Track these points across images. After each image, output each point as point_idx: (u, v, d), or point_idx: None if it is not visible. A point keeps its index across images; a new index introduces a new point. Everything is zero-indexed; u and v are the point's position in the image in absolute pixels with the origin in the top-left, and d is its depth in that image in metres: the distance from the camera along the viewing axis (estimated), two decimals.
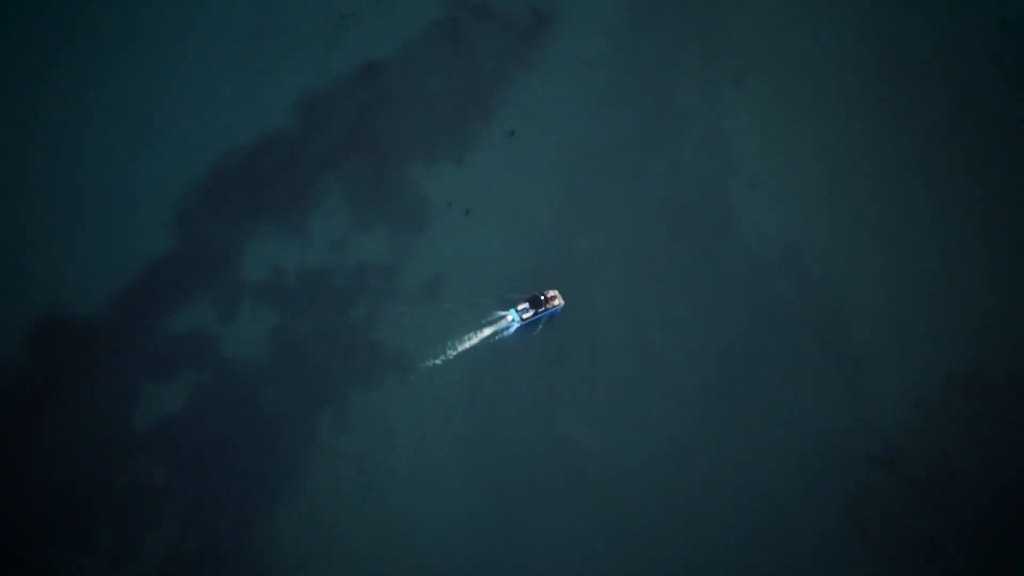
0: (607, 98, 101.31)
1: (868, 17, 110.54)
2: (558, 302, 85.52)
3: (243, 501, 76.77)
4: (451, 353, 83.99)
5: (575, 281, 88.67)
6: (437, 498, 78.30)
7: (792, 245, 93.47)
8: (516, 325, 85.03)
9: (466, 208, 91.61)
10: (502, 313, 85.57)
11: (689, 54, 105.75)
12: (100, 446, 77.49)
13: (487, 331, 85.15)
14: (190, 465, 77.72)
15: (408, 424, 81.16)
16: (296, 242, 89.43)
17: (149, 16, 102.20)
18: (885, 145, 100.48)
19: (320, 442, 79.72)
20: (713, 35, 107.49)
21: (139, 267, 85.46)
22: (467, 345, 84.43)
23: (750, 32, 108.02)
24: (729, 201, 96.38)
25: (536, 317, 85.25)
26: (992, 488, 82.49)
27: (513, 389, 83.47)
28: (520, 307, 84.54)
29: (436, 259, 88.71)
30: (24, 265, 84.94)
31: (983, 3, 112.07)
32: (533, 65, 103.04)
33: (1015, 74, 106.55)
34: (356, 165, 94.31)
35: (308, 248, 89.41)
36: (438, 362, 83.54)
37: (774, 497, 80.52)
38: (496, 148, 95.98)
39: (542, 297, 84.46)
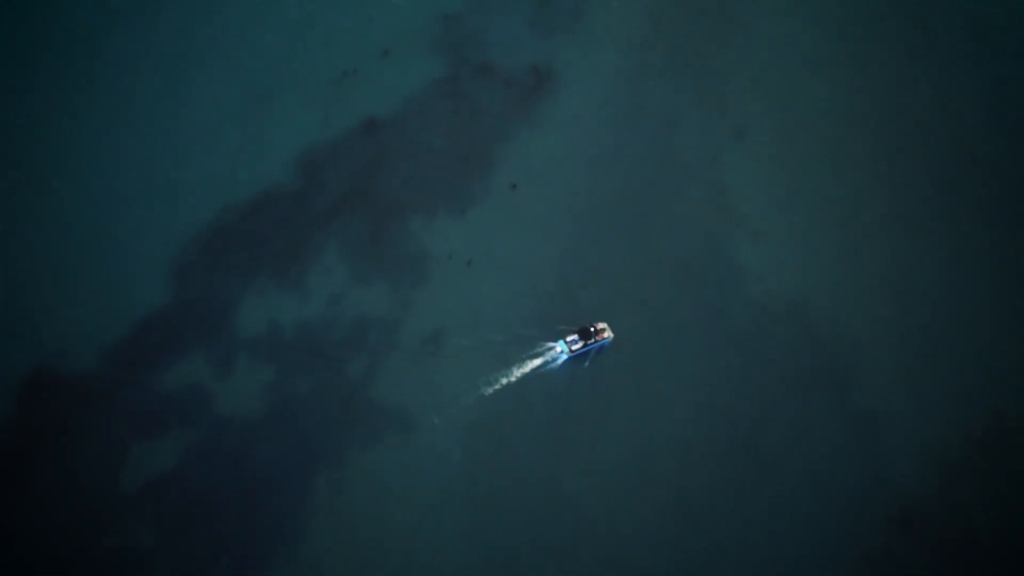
0: (608, 153, 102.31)
1: (867, 73, 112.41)
2: (607, 334, 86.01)
3: (233, 566, 73.74)
4: (451, 409, 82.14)
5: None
6: (437, 562, 75.19)
7: (799, 298, 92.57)
8: (565, 356, 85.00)
9: (468, 259, 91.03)
10: (550, 344, 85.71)
11: (689, 110, 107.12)
12: (86, 506, 75.14)
13: (499, 376, 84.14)
14: (179, 527, 75.20)
15: (407, 484, 78.86)
16: (294, 297, 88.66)
17: (151, 70, 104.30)
18: (888, 196, 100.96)
19: (315, 503, 77.25)
20: (713, 91, 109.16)
21: (132, 321, 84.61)
22: (472, 397, 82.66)
23: (750, 88, 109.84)
24: (733, 255, 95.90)
25: (586, 349, 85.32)
26: (1015, 549, 79.29)
27: (516, 447, 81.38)
28: (569, 338, 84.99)
29: (437, 311, 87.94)
30: (14, 317, 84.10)
31: (980, 57, 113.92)
32: (534, 121, 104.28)
33: (1013, 126, 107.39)
34: (356, 220, 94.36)
35: (306, 303, 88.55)
36: (438, 419, 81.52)
37: (787, 559, 77.54)
38: (498, 201, 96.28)
39: (592, 329, 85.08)
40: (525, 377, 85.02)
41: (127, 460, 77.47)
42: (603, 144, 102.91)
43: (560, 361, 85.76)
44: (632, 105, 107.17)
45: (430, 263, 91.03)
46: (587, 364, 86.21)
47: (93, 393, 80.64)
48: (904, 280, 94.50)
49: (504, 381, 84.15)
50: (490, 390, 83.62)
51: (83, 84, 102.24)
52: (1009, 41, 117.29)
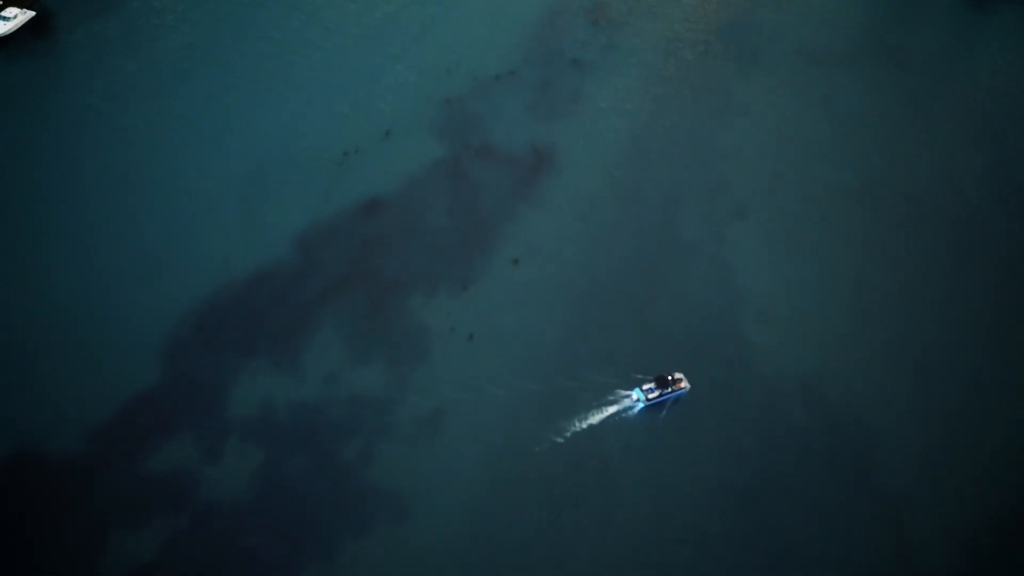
0: (610, 230, 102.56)
1: (865, 151, 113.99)
2: (684, 385, 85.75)
3: None
4: (453, 492, 78.12)
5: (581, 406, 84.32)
6: None
7: (811, 378, 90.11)
8: (641, 405, 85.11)
9: (470, 334, 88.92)
10: (626, 392, 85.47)
11: (690, 189, 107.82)
12: None
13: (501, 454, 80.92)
14: None
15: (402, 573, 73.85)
16: (288, 376, 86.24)
17: (156, 147, 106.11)
18: (897, 271, 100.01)
19: None
20: (713, 171, 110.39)
21: (120, 401, 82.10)
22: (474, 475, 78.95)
23: (750, 168, 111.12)
24: (740, 334, 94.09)
25: (662, 398, 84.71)
26: None
27: (519, 526, 76.77)
28: (646, 387, 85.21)
29: (437, 390, 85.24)
30: None
31: (980, 138, 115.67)
32: (535, 200, 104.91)
33: (1015, 205, 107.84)
34: (354, 298, 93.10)
35: (301, 382, 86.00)
36: (437, 503, 77.36)
37: None
38: (499, 276, 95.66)
39: (669, 378, 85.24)
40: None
41: (107, 548, 73.13)
42: (604, 221, 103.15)
43: (636, 409, 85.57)
44: (632, 184, 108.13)
45: (430, 340, 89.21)
46: (664, 413, 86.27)
47: (74, 476, 76.93)
48: (919, 356, 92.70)
49: (505, 460, 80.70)
50: (494, 468, 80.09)
51: (85, 157, 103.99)
52: (1007, 119, 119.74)
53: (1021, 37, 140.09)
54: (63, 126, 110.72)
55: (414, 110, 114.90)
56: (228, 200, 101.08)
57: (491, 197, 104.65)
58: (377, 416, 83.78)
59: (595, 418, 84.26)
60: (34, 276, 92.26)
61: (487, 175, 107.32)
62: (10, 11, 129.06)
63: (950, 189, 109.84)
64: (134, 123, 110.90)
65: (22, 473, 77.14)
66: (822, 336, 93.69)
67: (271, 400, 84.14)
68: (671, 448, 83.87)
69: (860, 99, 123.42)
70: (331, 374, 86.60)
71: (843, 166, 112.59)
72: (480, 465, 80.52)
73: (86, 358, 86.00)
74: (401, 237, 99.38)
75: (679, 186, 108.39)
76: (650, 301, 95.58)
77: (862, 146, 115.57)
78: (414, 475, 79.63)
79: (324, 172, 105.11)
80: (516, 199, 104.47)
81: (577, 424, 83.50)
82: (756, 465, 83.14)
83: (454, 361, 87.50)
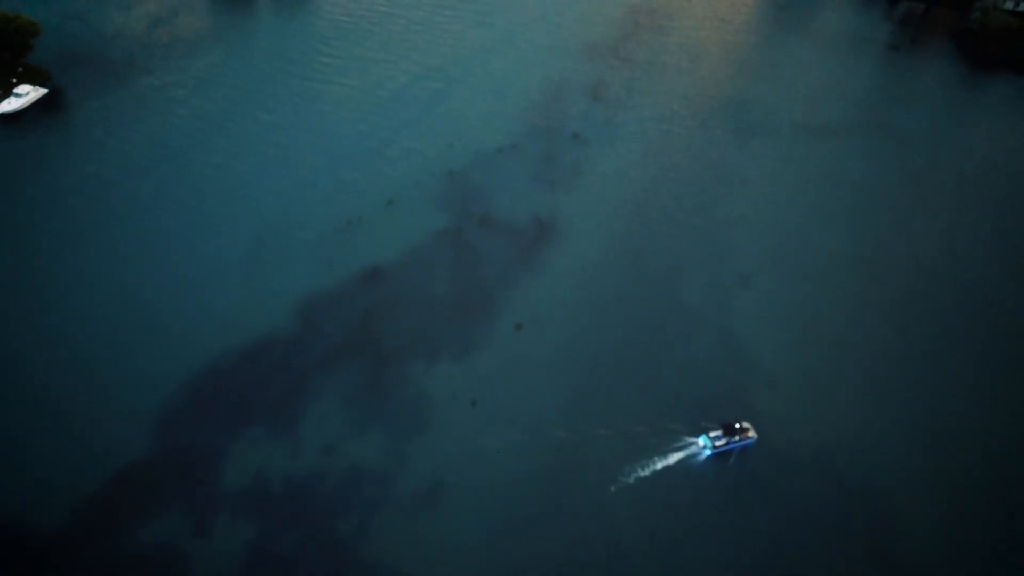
0: (614, 297, 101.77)
1: (868, 221, 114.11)
2: (751, 434, 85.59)
3: None
4: (455, 571, 73.95)
5: (589, 482, 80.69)
6: None
7: (824, 448, 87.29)
8: (708, 452, 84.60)
9: (472, 400, 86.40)
10: (691, 439, 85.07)
11: (693, 258, 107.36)
12: None
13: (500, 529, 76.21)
14: None
15: None
16: (284, 447, 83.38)
17: (160, 215, 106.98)
18: (905, 339, 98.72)
19: None
20: (715, 240, 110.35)
21: (110, 471, 79.16)
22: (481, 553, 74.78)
23: (753, 238, 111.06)
24: (749, 403, 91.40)
25: (728, 446, 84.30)
26: None
27: None
28: (713, 434, 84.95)
29: (437, 460, 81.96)
30: None
31: (982, 206, 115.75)
32: (538, 268, 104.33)
33: (1017, 271, 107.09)
34: (354, 366, 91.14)
35: (297, 453, 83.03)
36: None
37: None
38: (502, 342, 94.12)
39: (736, 426, 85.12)
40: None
41: None
42: (608, 289, 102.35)
43: (703, 456, 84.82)
44: (635, 252, 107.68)
45: (432, 407, 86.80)
46: (731, 461, 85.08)
47: (57, 549, 73.13)
48: (932, 425, 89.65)
49: (507, 536, 76.83)
50: (495, 546, 76.17)
51: (89, 225, 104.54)
52: (1006, 187, 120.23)
53: (1016, 109, 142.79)
54: (69, 195, 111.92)
55: (417, 180, 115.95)
56: (229, 267, 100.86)
57: (493, 265, 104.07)
58: (376, 488, 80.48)
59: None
60: (31, 341, 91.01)
61: (489, 244, 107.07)
62: (23, 88, 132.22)
63: (953, 256, 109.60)
64: (138, 192, 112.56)
65: (2, 545, 73.29)
66: (832, 404, 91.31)
67: (265, 471, 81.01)
68: (671, 513, 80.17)
69: (860, 170, 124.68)
70: (329, 444, 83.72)
71: (846, 235, 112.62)
72: (483, 542, 76.66)
73: (75, 426, 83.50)
74: (402, 304, 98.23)
75: (682, 254, 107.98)
76: (656, 369, 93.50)
77: (864, 215, 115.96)
78: (415, 551, 75.75)
79: (327, 240, 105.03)
80: (519, 267, 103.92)
81: (590, 489, 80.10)
82: (769, 540, 79.24)
83: (456, 428, 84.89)
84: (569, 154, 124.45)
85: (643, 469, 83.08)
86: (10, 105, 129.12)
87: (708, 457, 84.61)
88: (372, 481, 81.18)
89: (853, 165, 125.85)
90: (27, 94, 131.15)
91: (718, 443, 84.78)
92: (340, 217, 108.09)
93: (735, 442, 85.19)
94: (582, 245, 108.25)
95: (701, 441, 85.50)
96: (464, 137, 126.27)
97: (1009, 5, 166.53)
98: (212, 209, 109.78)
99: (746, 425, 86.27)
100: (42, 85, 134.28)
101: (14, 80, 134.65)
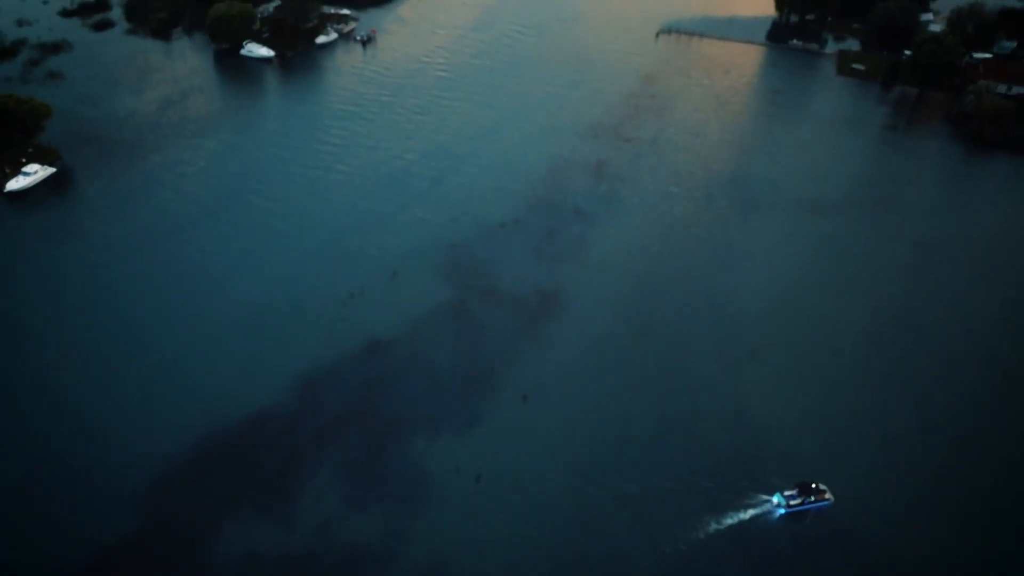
0: (622, 368, 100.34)
1: (873, 290, 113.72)
2: (828, 496, 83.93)
3: None
4: None
5: (597, 565, 76.49)
6: None
7: (844, 525, 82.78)
8: (782, 511, 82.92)
9: (477, 475, 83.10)
10: (765, 497, 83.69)
11: (699, 329, 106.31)
12: None
13: None
14: None
15: None
16: (279, 525, 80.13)
17: (161, 285, 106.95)
18: (918, 411, 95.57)
19: None
20: (721, 311, 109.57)
21: (96, 551, 75.48)
22: None
23: (759, 308, 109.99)
24: (766, 479, 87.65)
25: (804, 507, 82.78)
26: None
27: None
28: (787, 493, 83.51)
29: (438, 539, 77.73)
30: None
31: (988, 277, 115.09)
32: (543, 340, 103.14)
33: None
34: (353, 440, 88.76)
35: (292, 532, 79.65)
36: None
37: None
38: (507, 415, 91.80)
39: (813, 486, 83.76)
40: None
41: None
42: (616, 360, 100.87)
43: (776, 516, 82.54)
44: (641, 323, 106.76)
45: (433, 483, 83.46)
46: (807, 521, 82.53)
47: None
48: (952, 496, 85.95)
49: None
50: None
51: (88, 300, 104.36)
52: (1010, 258, 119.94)
53: (1016, 185, 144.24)
54: (70, 267, 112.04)
55: (420, 253, 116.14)
56: (230, 340, 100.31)
57: (497, 337, 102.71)
58: (375, 571, 76.27)
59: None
60: (24, 415, 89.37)
61: (493, 316, 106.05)
62: (32, 167, 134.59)
63: (962, 325, 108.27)
64: (140, 264, 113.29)
65: None
66: (850, 479, 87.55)
67: (257, 550, 77.38)
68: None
69: (864, 244, 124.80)
70: (324, 522, 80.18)
71: (855, 306, 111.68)
72: None
73: (62, 502, 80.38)
74: (404, 377, 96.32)
75: (689, 326, 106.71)
76: (666, 441, 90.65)
77: (871, 287, 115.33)
78: None
79: (328, 312, 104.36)
80: (523, 338, 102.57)
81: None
82: None
83: (459, 505, 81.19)
84: (572, 228, 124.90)
85: (659, 545, 79.01)
86: (18, 183, 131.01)
87: (781, 516, 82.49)
88: (370, 563, 77.30)
89: (857, 239, 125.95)
90: (35, 173, 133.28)
91: (792, 502, 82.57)
92: (342, 289, 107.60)
93: (810, 503, 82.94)
94: (587, 317, 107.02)
95: (775, 499, 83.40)
96: (467, 211, 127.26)
97: (1001, 89, 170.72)
98: (215, 283, 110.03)
99: (823, 487, 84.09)
100: (51, 164, 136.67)
101: (23, 160, 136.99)
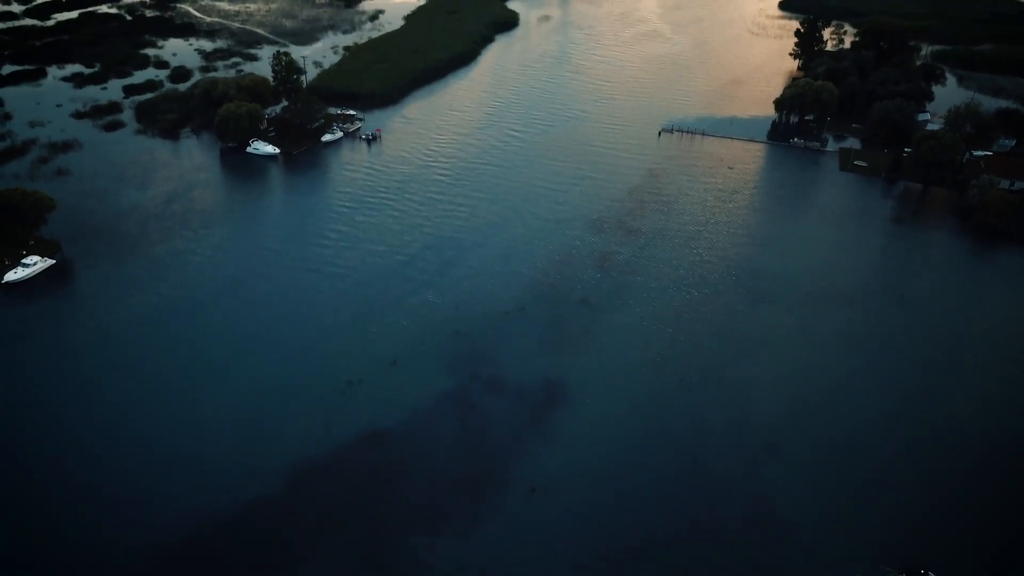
0: (634, 461, 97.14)
1: (891, 385, 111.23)
2: None
3: None
4: None
5: None
6: None
7: None
8: None
9: (480, 573, 78.05)
10: None
11: (714, 421, 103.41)
12: None
13: None
14: None
15: None
16: None
17: (156, 373, 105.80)
18: (948, 515, 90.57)
19: None
20: (737, 403, 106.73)
21: None
22: None
23: (775, 400, 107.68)
24: None
25: None
26: None
27: None
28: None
29: None
30: None
31: (1010, 368, 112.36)
32: (550, 432, 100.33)
33: None
34: (350, 534, 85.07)
35: None
36: None
37: None
38: (513, 511, 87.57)
39: (922, 572, 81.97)
40: None
41: None
42: (628, 453, 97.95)
43: None
44: (654, 417, 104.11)
45: None
46: None
47: None
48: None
49: None
50: None
51: (77, 386, 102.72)
52: None
53: None
54: (60, 358, 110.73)
55: (422, 341, 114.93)
56: (225, 429, 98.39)
57: (502, 428, 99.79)
58: None
59: None
60: (17, 503, 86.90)
61: (497, 406, 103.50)
62: (31, 259, 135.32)
63: (988, 420, 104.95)
64: (135, 354, 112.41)
65: None
66: None
67: None
68: None
69: (878, 334, 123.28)
70: None
71: (871, 399, 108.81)
72: None
73: None
74: (403, 470, 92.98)
75: (703, 418, 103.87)
76: (683, 538, 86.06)
77: (888, 378, 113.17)
78: None
79: (326, 401, 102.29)
80: (529, 430, 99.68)
81: None
82: None
83: None
84: (578, 319, 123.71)
85: None
86: (16, 275, 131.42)
87: None
88: None
89: (870, 329, 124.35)
90: (34, 264, 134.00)
91: None
92: (341, 378, 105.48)
93: None
94: (596, 408, 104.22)
95: None
96: (471, 300, 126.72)
97: (1004, 184, 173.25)
98: (211, 372, 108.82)
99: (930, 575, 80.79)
100: (51, 256, 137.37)
101: (24, 252, 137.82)
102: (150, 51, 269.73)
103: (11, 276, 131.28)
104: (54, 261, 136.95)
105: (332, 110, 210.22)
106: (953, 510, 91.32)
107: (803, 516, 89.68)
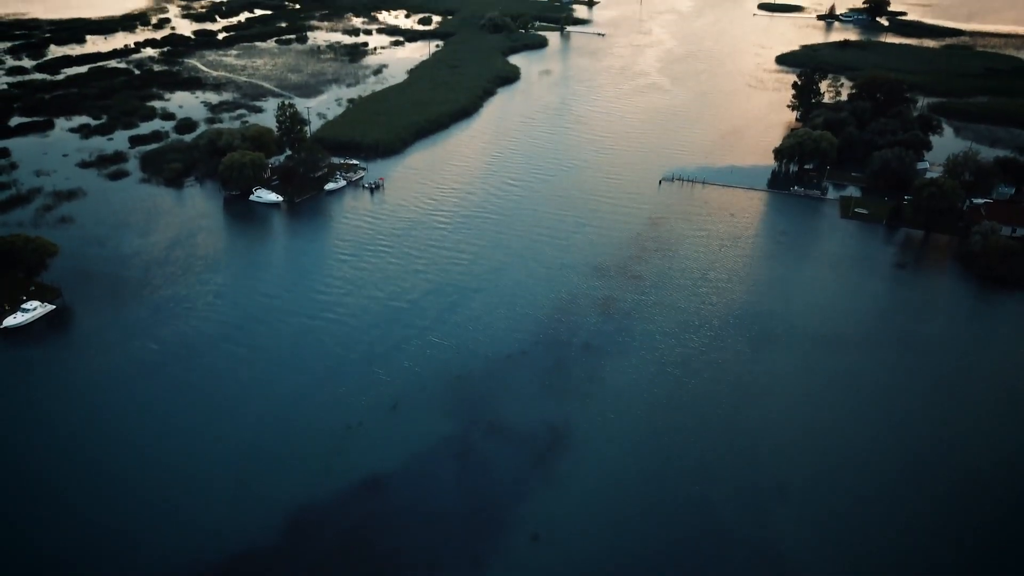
0: (639, 507, 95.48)
1: (902, 429, 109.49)
2: None
3: None
4: None
5: None
6: None
7: None
8: None
9: None
10: None
11: (721, 465, 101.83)
12: None
13: None
14: None
15: None
16: None
17: (154, 414, 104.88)
18: (962, 553, 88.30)
19: None
20: (743, 448, 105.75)
21: None
22: None
23: (783, 444, 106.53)
24: None
25: None
26: None
27: None
28: None
29: None
30: None
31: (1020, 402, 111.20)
32: (552, 478, 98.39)
33: None
34: None
35: None
36: None
37: None
38: (515, 559, 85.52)
39: None
40: None
41: None
42: (632, 498, 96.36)
43: None
44: (659, 460, 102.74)
45: None
46: None
47: None
48: None
49: None
50: None
51: (73, 428, 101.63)
52: None
53: None
54: (55, 403, 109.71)
55: (423, 385, 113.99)
56: (222, 472, 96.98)
57: (503, 474, 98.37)
58: None
59: None
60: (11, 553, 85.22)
61: (499, 451, 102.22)
62: (30, 304, 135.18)
63: (1000, 466, 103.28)
64: (130, 399, 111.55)
65: None
66: None
67: None
68: None
69: (885, 379, 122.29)
70: None
71: (882, 443, 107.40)
72: None
73: None
74: (402, 515, 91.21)
75: (709, 463, 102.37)
76: None
77: (898, 422, 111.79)
78: None
79: (325, 446, 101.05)
80: (531, 476, 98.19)
81: None
82: None
83: None
84: (581, 363, 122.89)
85: None
86: (15, 320, 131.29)
87: None
88: None
89: (878, 374, 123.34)
90: (34, 309, 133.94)
91: None
92: (340, 422, 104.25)
93: None
94: (599, 453, 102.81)
95: None
96: (472, 344, 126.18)
97: (1006, 231, 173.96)
98: (212, 414, 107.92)
99: None
100: (51, 302, 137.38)
101: (24, 297, 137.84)
102: (157, 103, 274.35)
103: (10, 321, 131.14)
104: (54, 306, 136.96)
105: (335, 159, 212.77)
106: (969, 560, 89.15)
107: (812, 561, 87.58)
